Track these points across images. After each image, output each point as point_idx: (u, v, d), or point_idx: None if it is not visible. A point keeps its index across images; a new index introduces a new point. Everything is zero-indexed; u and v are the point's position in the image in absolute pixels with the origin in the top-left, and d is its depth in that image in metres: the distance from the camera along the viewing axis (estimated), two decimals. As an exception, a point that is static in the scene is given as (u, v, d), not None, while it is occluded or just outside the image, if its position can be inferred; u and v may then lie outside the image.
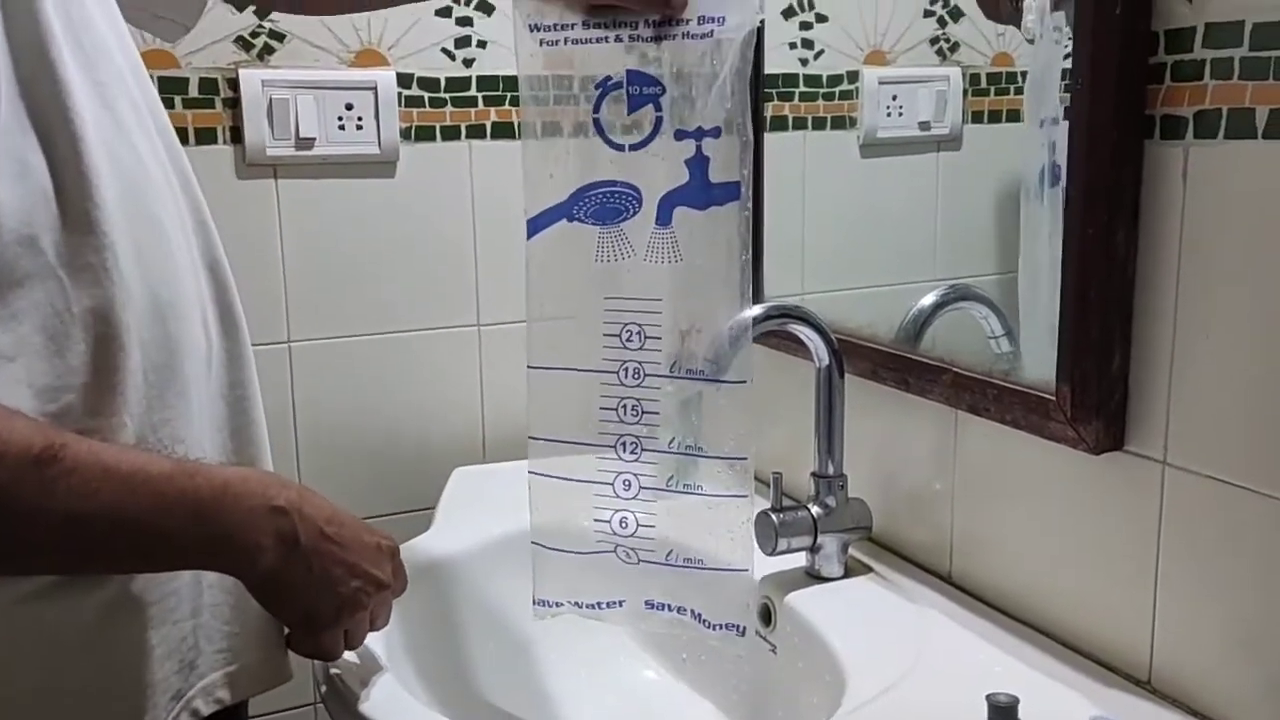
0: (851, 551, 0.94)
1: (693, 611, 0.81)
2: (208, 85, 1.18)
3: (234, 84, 1.19)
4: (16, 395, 0.60)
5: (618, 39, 0.76)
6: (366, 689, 0.78)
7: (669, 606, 0.82)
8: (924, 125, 1.04)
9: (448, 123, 1.27)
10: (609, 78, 0.77)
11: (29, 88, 0.63)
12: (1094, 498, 0.78)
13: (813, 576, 0.93)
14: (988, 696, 0.71)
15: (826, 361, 0.90)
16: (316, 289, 1.26)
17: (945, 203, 1.02)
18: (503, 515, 1.06)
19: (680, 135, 0.76)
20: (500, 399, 1.35)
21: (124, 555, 0.64)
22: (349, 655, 0.82)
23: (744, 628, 0.79)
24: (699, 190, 0.76)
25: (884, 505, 0.96)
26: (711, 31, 0.74)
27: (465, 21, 1.26)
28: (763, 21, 0.73)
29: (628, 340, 0.79)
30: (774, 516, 0.90)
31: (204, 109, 1.18)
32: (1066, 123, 0.73)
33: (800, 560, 0.93)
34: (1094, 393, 0.74)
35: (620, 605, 0.83)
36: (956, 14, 0.98)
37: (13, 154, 0.61)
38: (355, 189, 1.25)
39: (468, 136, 1.28)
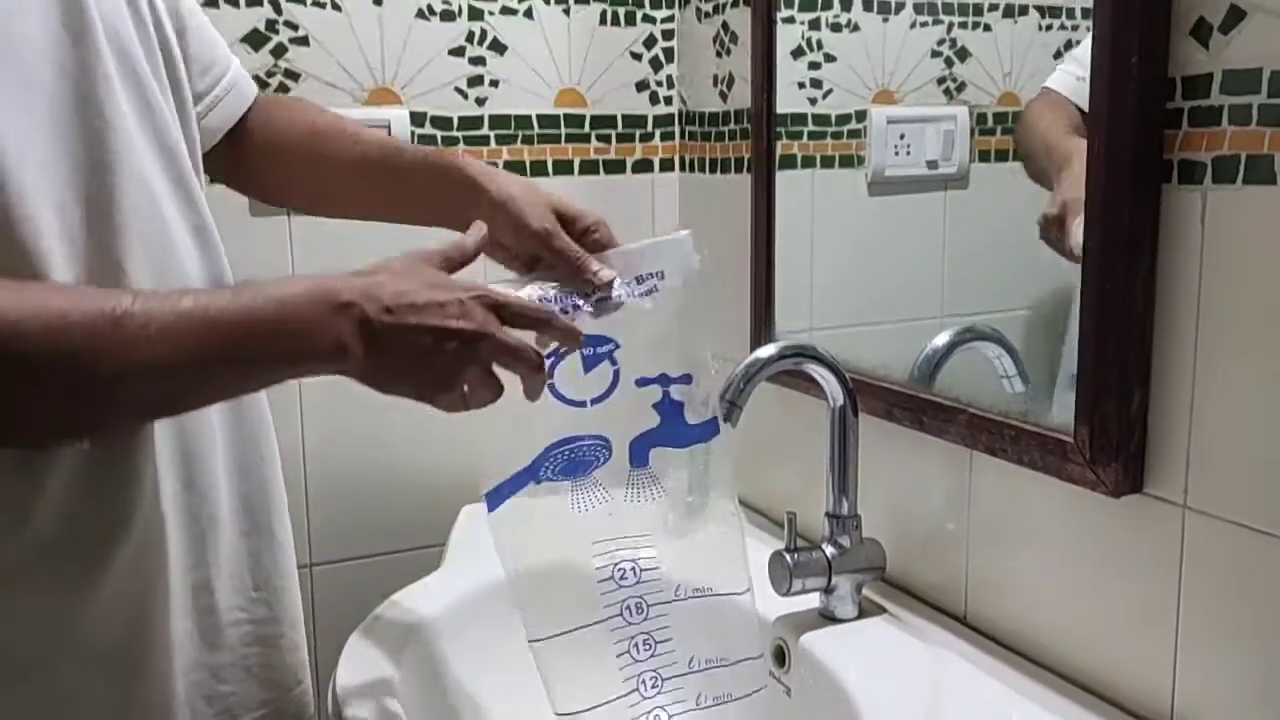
0: (865, 592, 0.94)
1: None
2: (222, 122, 1.18)
3: (248, 121, 1.19)
4: None
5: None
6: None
7: None
8: (932, 164, 1.04)
9: (460, 161, 1.28)
10: (559, 348, 0.75)
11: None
12: (1113, 540, 0.78)
13: (826, 617, 0.92)
14: (1009, 741, 0.71)
15: (841, 401, 0.90)
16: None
17: (952, 241, 1.02)
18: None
19: (642, 382, 0.77)
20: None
21: (219, 387, 0.66)
22: (360, 701, 0.82)
23: None
24: (677, 433, 0.77)
25: (898, 546, 0.96)
26: (655, 287, 0.75)
27: (478, 61, 1.27)
28: (700, 257, 0.75)
29: (622, 578, 0.78)
30: (788, 557, 0.89)
31: (218, 146, 1.18)
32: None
33: (814, 601, 0.93)
34: (1113, 434, 0.74)
35: None
36: (964, 54, 0.98)
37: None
38: (369, 227, 1.25)
39: (479, 175, 1.29)
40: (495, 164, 1.29)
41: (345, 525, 1.27)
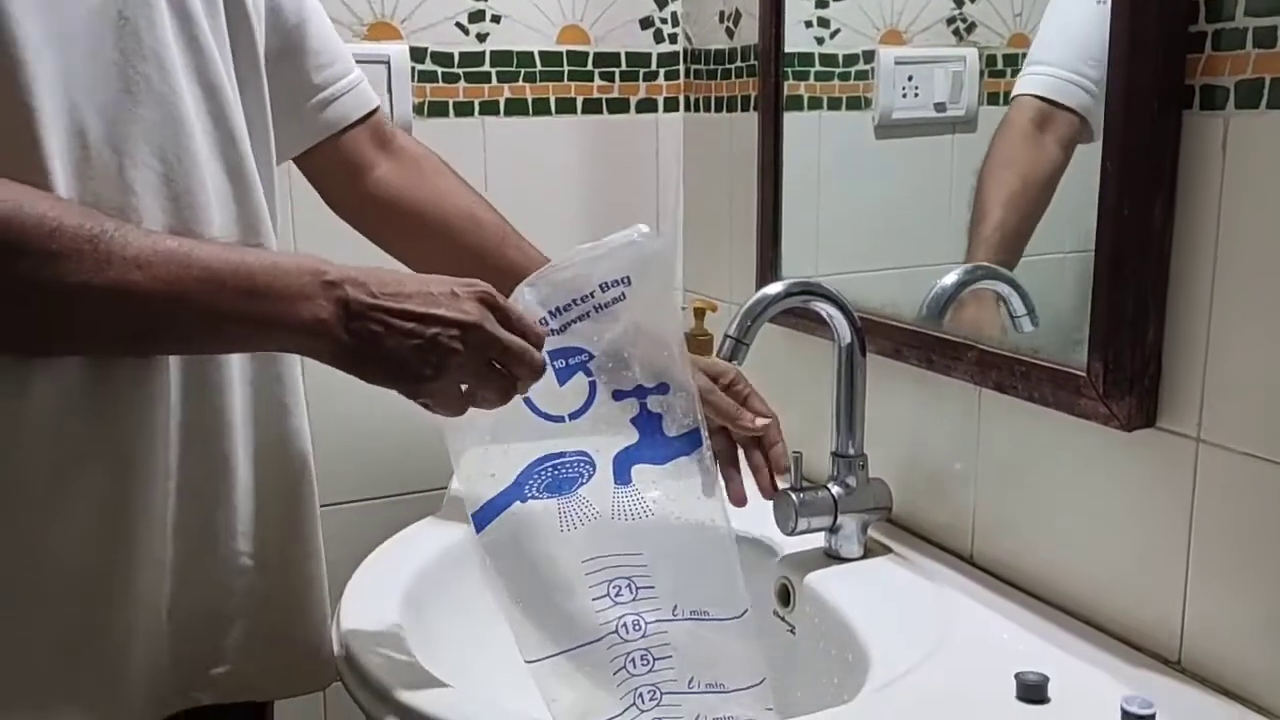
0: (871, 532, 0.94)
1: None
2: (218, 58, 1.16)
3: (245, 56, 1.17)
4: None
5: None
6: (382, 662, 0.77)
7: None
8: (940, 107, 1.03)
9: (461, 98, 1.26)
10: None
11: None
12: (1125, 476, 0.77)
13: (832, 557, 0.92)
14: (1017, 675, 0.71)
15: (849, 339, 0.89)
16: (326, 266, 1.24)
17: (960, 185, 1.00)
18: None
19: (619, 395, 0.74)
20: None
21: (191, 335, 0.66)
22: (362, 636, 0.81)
23: None
24: (656, 447, 0.75)
25: (905, 485, 0.96)
26: (622, 294, 0.71)
27: (480, -5, 1.25)
28: (659, 277, 0.73)
29: (617, 595, 0.75)
30: (794, 496, 0.89)
31: (214, 81, 1.16)
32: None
33: (819, 540, 0.92)
34: (1127, 368, 0.73)
35: None
36: (974, -7, 0.96)
37: None
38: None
39: (481, 113, 1.27)
40: (496, 102, 1.27)
41: (346, 468, 1.26)
